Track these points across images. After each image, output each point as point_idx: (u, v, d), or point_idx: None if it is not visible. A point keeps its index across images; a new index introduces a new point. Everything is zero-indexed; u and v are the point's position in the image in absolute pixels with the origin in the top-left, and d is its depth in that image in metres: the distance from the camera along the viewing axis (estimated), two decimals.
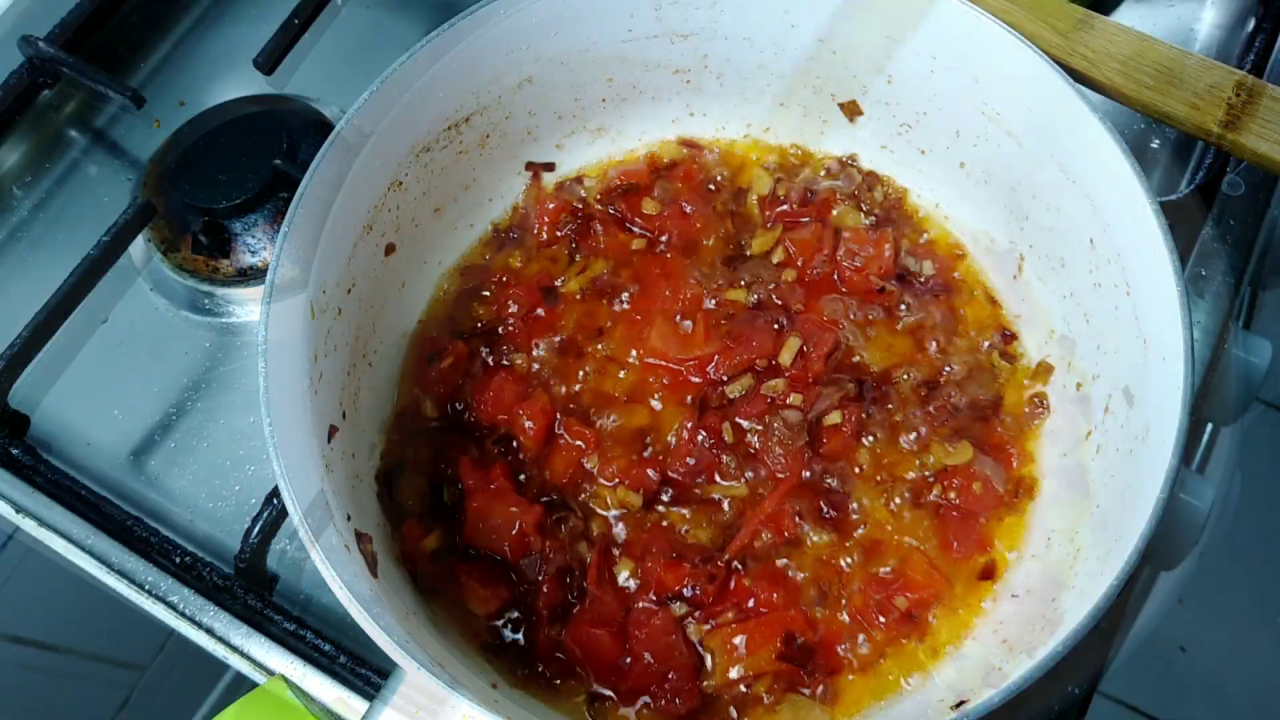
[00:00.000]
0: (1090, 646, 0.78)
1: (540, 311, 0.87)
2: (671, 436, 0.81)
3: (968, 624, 0.75)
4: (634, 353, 0.85)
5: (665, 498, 0.80)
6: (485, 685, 0.72)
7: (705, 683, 0.73)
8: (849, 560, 0.77)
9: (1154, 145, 1.00)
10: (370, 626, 0.60)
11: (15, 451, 0.88)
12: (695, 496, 0.80)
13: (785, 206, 0.91)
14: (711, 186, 0.93)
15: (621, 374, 0.84)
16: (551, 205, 0.91)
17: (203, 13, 1.15)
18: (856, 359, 0.84)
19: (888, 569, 0.77)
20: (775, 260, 0.89)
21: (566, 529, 0.78)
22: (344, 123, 0.74)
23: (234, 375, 0.94)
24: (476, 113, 0.86)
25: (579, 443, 0.81)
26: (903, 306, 0.86)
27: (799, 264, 0.88)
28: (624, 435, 0.82)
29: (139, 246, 0.99)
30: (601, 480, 0.80)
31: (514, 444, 0.82)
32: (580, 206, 0.92)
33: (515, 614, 0.76)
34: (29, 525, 0.85)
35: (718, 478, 0.80)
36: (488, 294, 0.88)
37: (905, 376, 0.83)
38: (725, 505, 0.79)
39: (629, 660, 0.73)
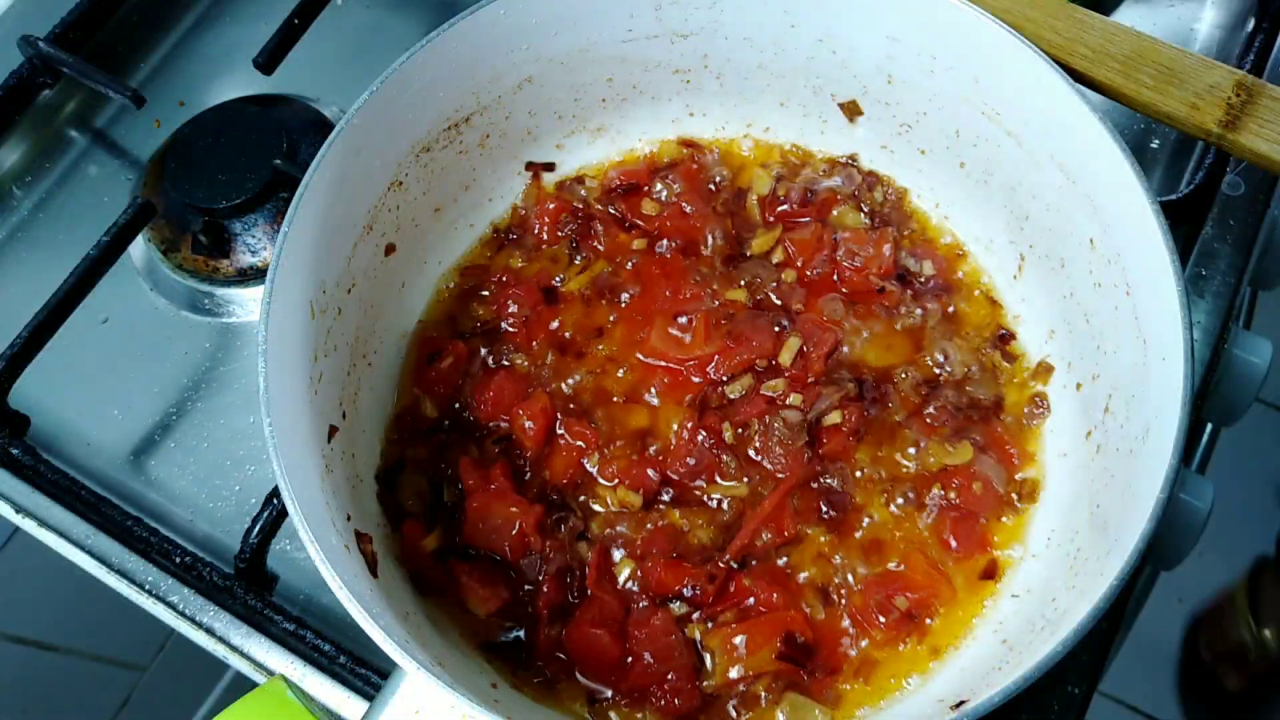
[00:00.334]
0: (1090, 646, 0.78)
1: (540, 311, 0.87)
2: (671, 437, 0.81)
3: (968, 624, 0.75)
4: (634, 353, 0.85)
5: (665, 498, 0.80)
6: (485, 685, 0.72)
7: (705, 683, 0.73)
8: (849, 560, 0.77)
9: (1154, 145, 1.00)
10: (370, 626, 0.60)
11: (15, 451, 0.88)
12: (695, 496, 0.80)
13: (785, 206, 0.91)
14: (711, 186, 0.93)
15: (621, 374, 0.84)
16: (551, 205, 0.91)
17: (203, 13, 1.15)
18: (856, 359, 0.84)
19: (888, 569, 0.77)
20: (775, 260, 0.89)
21: (566, 529, 0.78)
22: (344, 123, 0.74)
23: (234, 375, 0.94)
24: (476, 113, 0.86)
25: (579, 443, 0.81)
26: (903, 307, 0.86)
27: (799, 264, 0.88)
28: (624, 435, 0.82)
29: (139, 246, 0.99)
30: (601, 480, 0.80)
31: (514, 444, 0.82)
32: (580, 206, 0.92)
33: (515, 614, 0.76)
34: (29, 525, 0.85)
35: (718, 478, 0.80)
36: (488, 294, 0.89)
37: (905, 376, 0.83)
38: (725, 505, 0.79)
39: (629, 660, 0.73)
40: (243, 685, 0.79)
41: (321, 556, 0.62)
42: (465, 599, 0.76)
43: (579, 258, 0.90)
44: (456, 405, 0.84)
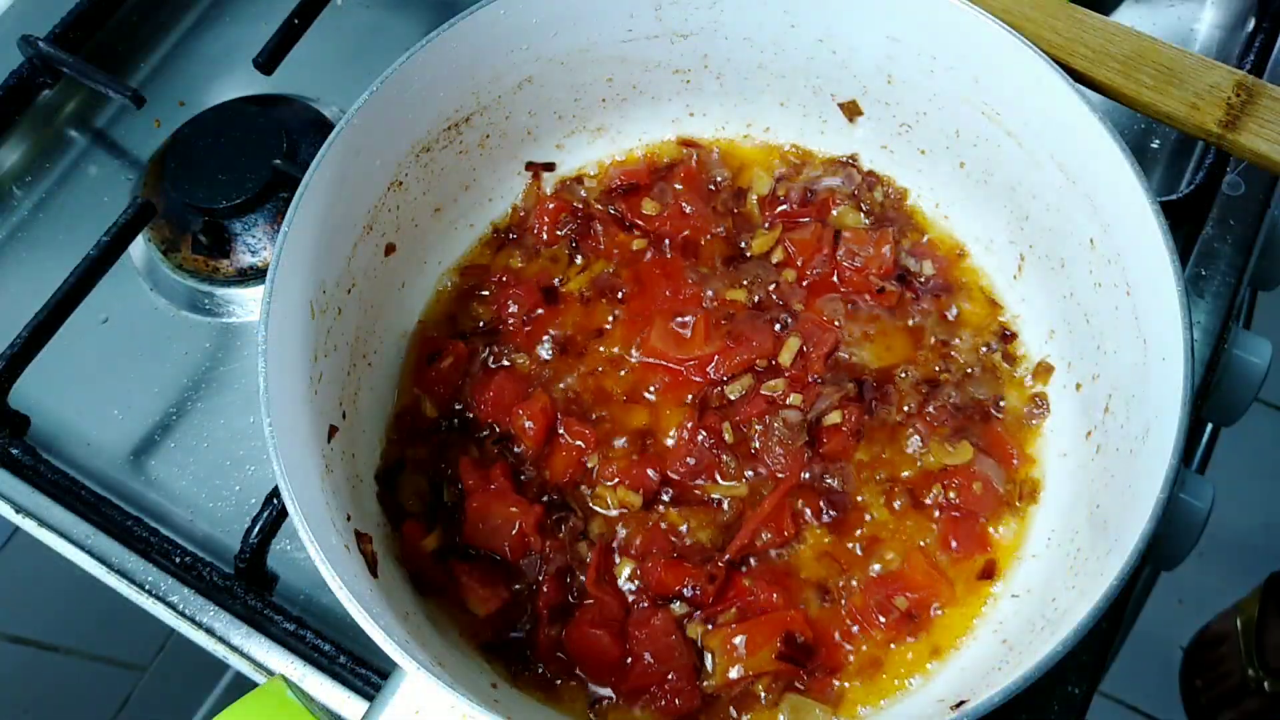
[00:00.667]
0: (1090, 646, 0.78)
1: (540, 311, 0.87)
2: (671, 436, 0.81)
3: (968, 624, 0.75)
4: (634, 353, 0.85)
5: (665, 498, 0.80)
6: (485, 685, 0.72)
7: (705, 683, 0.73)
8: (849, 560, 0.77)
9: (1154, 145, 1.00)
10: (370, 626, 0.60)
11: (15, 451, 0.88)
12: (695, 496, 0.80)
13: (785, 206, 0.91)
14: (711, 186, 0.93)
15: (621, 374, 0.84)
16: (551, 205, 0.91)
17: (203, 13, 1.15)
18: (856, 359, 0.84)
19: (888, 569, 0.77)
20: (775, 260, 0.89)
21: (566, 529, 0.78)
22: (344, 123, 0.74)
23: (234, 375, 0.94)
24: (476, 113, 0.86)
25: (579, 443, 0.81)
26: (902, 307, 0.86)
27: (799, 264, 0.88)
28: (624, 435, 0.82)
29: (139, 246, 0.99)
30: (601, 480, 0.80)
31: (514, 444, 0.82)
32: (580, 206, 0.92)
33: (515, 614, 0.76)
34: (29, 525, 0.85)
35: (718, 478, 0.80)
36: (488, 294, 0.89)
37: (905, 376, 0.83)
38: (725, 505, 0.79)
39: (629, 660, 0.73)
40: (243, 685, 0.79)
41: (321, 556, 0.62)
42: (465, 599, 0.76)
43: (579, 258, 0.90)
44: (456, 405, 0.84)
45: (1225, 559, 1.85)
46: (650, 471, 0.79)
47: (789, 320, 0.85)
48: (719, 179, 0.93)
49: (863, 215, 0.90)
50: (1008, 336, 0.85)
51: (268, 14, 1.11)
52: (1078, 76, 0.77)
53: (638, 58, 0.89)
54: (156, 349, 0.96)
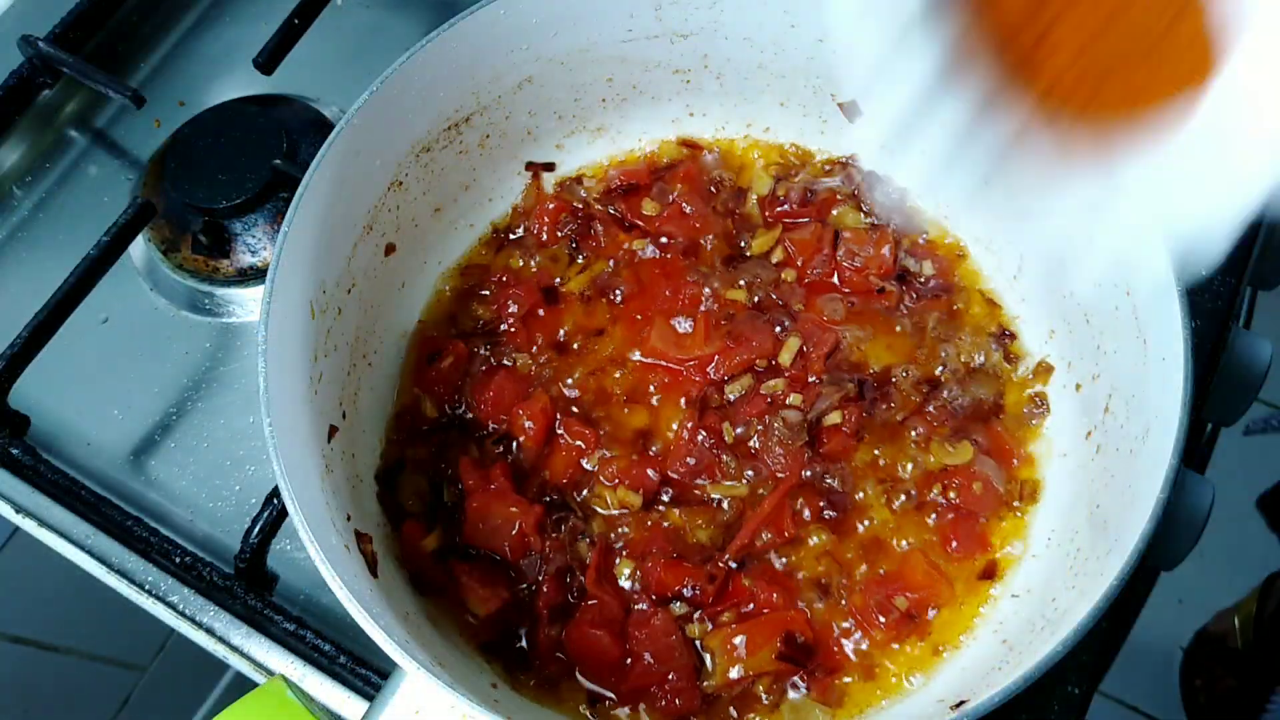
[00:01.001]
0: (1090, 646, 0.78)
1: (540, 311, 0.87)
2: (671, 437, 0.81)
3: (968, 624, 0.75)
4: (634, 353, 0.85)
5: (665, 498, 0.80)
6: (485, 685, 0.72)
7: (705, 683, 0.73)
8: (849, 560, 0.77)
9: None
10: (370, 626, 0.60)
11: (15, 451, 0.88)
12: (695, 496, 0.80)
13: (785, 206, 0.91)
14: (711, 187, 0.93)
15: (621, 374, 0.84)
16: (551, 205, 0.91)
17: (203, 13, 1.15)
18: (856, 359, 0.84)
19: (888, 569, 0.77)
20: (775, 260, 0.89)
21: (566, 529, 0.78)
22: (344, 123, 0.74)
23: (234, 375, 0.94)
24: (476, 113, 0.86)
25: (579, 443, 0.81)
26: (903, 307, 0.86)
27: (799, 264, 0.88)
28: (624, 435, 0.82)
29: (139, 246, 0.99)
30: (601, 480, 0.80)
31: (514, 444, 0.82)
32: (580, 206, 0.92)
33: (515, 614, 0.76)
34: (29, 525, 0.85)
35: (718, 477, 0.80)
36: (488, 294, 0.89)
37: (905, 376, 0.83)
38: (725, 505, 0.79)
39: (629, 660, 0.73)
40: (243, 685, 0.79)
41: (321, 556, 0.62)
42: (465, 599, 0.76)
43: (579, 258, 0.90)
44: (456, 405, 0.84)
45: (1225, 559, 1.85)
46: (650, 471, 0.79)
47: (789, 320, 0.85)
48: (719, 179, 0.93)
49: (863, 215, 0.90)
50: (1008, 336, 0.85)
51: (268, 14, 1.11)
52: None
53: (638, 58, 0.89)
54: (156, 349, 0.96)
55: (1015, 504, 0.79)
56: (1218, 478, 0.95)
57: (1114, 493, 0.70)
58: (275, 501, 0.80)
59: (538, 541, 0.77)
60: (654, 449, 0.81)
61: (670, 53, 0.89)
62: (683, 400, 0.83)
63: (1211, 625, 1.87)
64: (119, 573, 0.83)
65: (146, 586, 0.83)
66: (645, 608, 0.75)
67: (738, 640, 0.73)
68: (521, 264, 0.90)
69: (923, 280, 0.88)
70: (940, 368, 0.84)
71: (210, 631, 0.81)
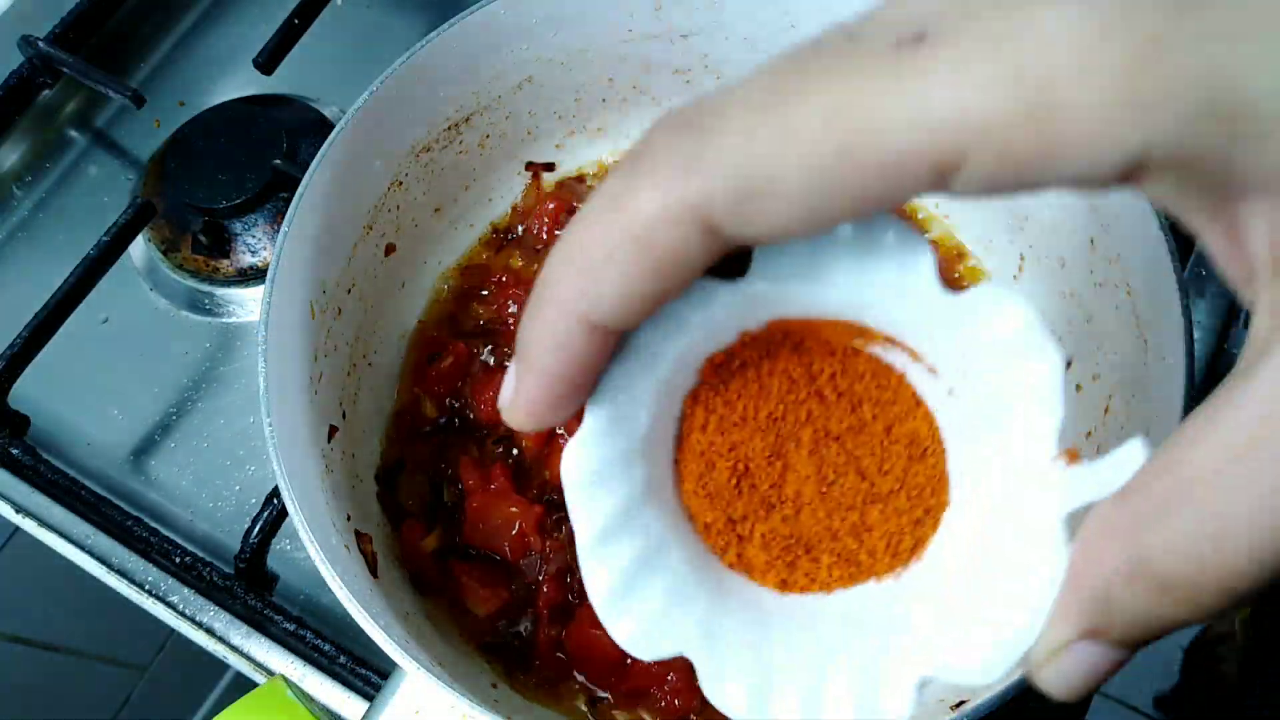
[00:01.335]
0: None
1: None
2: None
3: None
4: None
5: None
6: (485, 685, 0.72)
7: None
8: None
9: None
10: (370, 626, 0.60)
11: (15, 451, 0.88)
12: None
13: None
14: None
15: None
16: (551, 205, 0.91)
17: (203, 13, 1.15)
18: None
19: None
20: None
21: (566, 529, 0.78)
22: (344, 123, 0.74)
23: (234, 375, 0.94)
24: (476, 113, 0.86)
25: None
26: None
27: None
28: None
29: (139, 246, 0.99)
30: None
31: (514, 444, 0.82)
32: (580, 206, 0.92)
33: (515, 614, 0.76)
34: (29, 525, 0.85)
35: None
36: (488, 294, 0.89)
37: None
38: None
39: (629, 661, 0.73)
40: (243, 685, 0.79)
41: (321, 556, 0.62)
42: (465, 599, 0.76)
43: None
44: (456, 405, 0.84)
45: None
46: None
47: None
48: None
49: None
50: None
51: (268, 14, 1.11)
52: None
53: (638, 57, 0.89)
54: (156, 349, 0.96)
55: None
56: None
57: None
58: (275, 501, 0.80)
59: (538, 541, 0.77)
60: None
61: (670, 52, 0.89)
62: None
63: (1214, 625, 1.87)
64: (119, 573, 0.83)
65: (146, 586, 0.83)
66: None
67: None
68: (521, 264, 0.90)
69: None
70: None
71: (210, 631, 0.81)
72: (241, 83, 1.07)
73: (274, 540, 0.81)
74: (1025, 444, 0.36)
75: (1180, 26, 0.26)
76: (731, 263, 0.34)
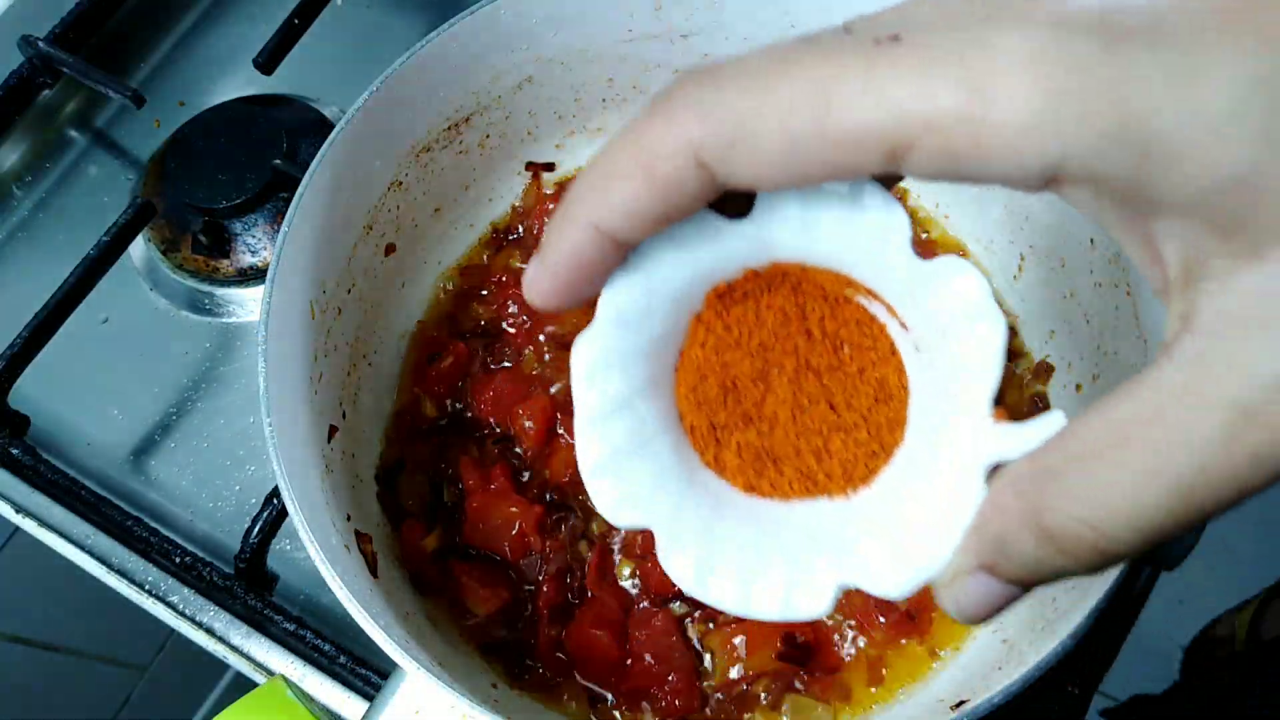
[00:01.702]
0: (1090, 646, 0.78)
1: (540, 311, 0.87)
2: None
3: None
4: None
5: None
6: (485, 685, 0.72)
7: (705, 683, 0.73)
8: None
9: None
10: (370, 626, 0.60)
11: (15, 451, 0.88)
12: None
13: None
14: None
15: None
16: (551, 205, 0.91)
17: (203, 13, 1.15)
18: None
19: None
20: None
21: (566, 529, 0.78)
22: (344, 123, 0.74)
23: (234, 375, 0.94)
24: (476, 113, 0.86)
25: None
26: None
27: None
28: None
29: (139, 246, 0.99)
30: None
31: (514, 444, 0.82)
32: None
33: (515, 614, 0.76)
34: (29, 525, 0.85)
35: None
36: (488, 294, 0.89)
37: None
38: None
39: (629, 661, 0.73)
40: (243, 685, 0.79)
41: (321, 556, 0.62)
42: (465, 599, 0.76)
43: None
44: (456, 405, 0.84)
45: (1226, 559, 1.85)
46: None
47: None
48: None
49: None
50: (1008, 337, 0.85)
51: (268, 14, 1.11)
52: None
53: (638, 58, 0.89)
54: (156, 349, 0.96)
55: None
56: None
57: None
58: (275, 501, 0.80)
59: (538, 541, 0.77)
60: None
61: (670, 53, 0.89)
62: None
63: (1215, 626, 1.87)
64: (119, 573, 0.83)
65: (146, 586, 0.83)
66: (646, 608, 0.75)
67: (737, 640, 0.73)
68: (521, 264, 0.90)
69: None
70: None
71: (210, 631, 0.81)
72: (241, 83, 1.07)
73: (274, 540, 0.81)
74: (966, 399, 0.40)
75: (1104, 60, 0.30)
76: (738, 204, 0.40)
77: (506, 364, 0.85)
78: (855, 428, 0.43)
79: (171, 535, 0.84)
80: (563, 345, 0.86)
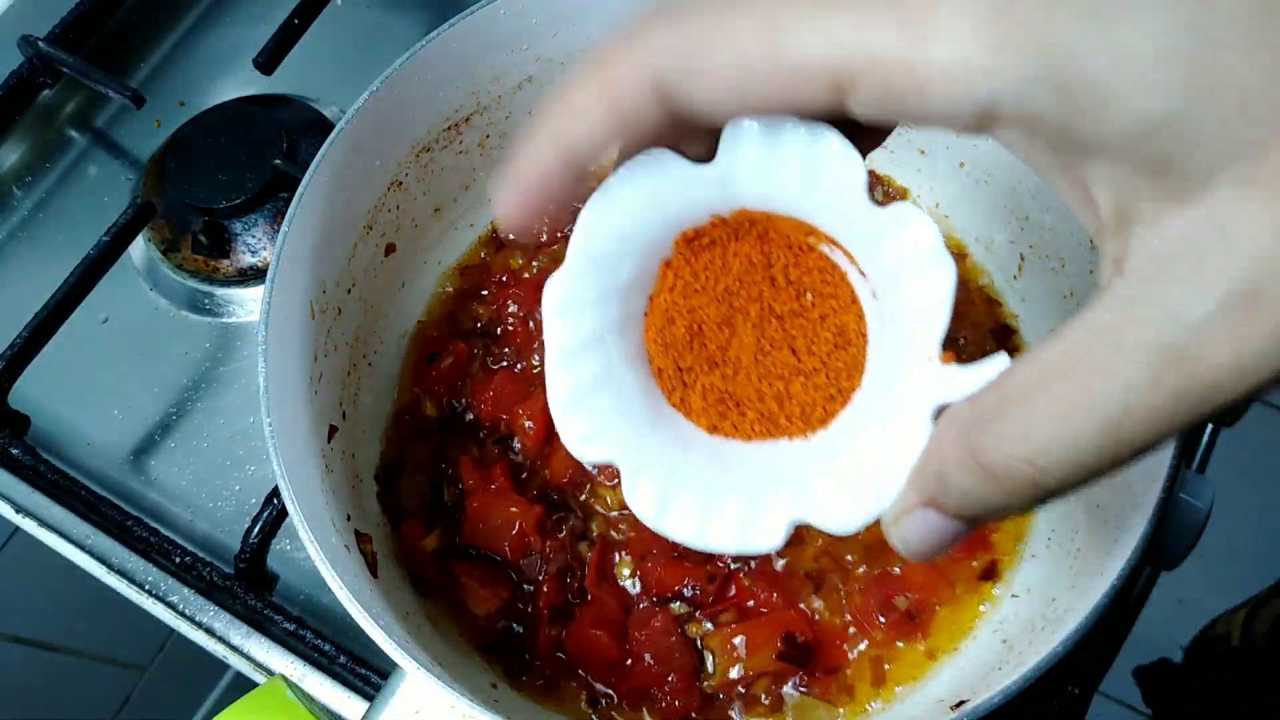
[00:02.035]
0: (1090, 646, 0.78)
1: (540, 311, 0.87)
2: None
3: (968, 624, 0.75)
4: None
5: None
6: (485, 685, 0.72)
7: (705, 683, 0.73)
8: (849, 559, 0.77)
9: None
10: (370, 626, 0.60)
11: (15, 451, 0.88)
12: None
13: None
14: None
15: None
16: (552, 205, 0.91)
17: (203, 13, 1.15)
18: None
19: (888, 569, 0.77)
20: None
21: (566, 529, 0.78)
22: (344, 123, 0.74)
23: (234, 375, 0.94)
24: (476, 113, 0.86)
25: None
26: None
27: None
28: None
29: (139, 246, 0.99)
30: (601, 480, 0.80)
31: (514, 444, 0.82)
32: (580, 206, 0.91)
33: (515, 614, 0.76)
34: (29, 525, 0.85)
35: None
36: (488, 294, 0.89)
37: None
38: None
39: (629, 661, 0.73)
40: (243, 685, 0.79)
41: (321, 556, 0.62)
42: (465, 599, 0.76)
43: None
44: (456, 405, 0.84)
45: (1225, 559, 1.85)
46: None
47: None
48: None
49: None
50: (1007, 336, 0.85)
51: (268, 14, 1.11)
52: None
53: None
54: (156, 349, 0.96)
55: None
56: (1218, 478, 0.95)
57: (1114, 491, 0.70)
58: (275, 501, 0.80)
59: (538, 541, 0.77)
60: None
61: None
62: None
63: (1214, 625, 1.87)
64: (119, 573, 0.83)
65: (146, 586, 0.83)
66: (646, 608, 0.75)
67: (738, 640, 0.73)
68: (521, 264, 0.90)
69: None
70: None
71: (210, 631, 0.81)
72: (241, 83, 1.07)
73: (274, 540, 0.81)
74: (917, 343, 0.41)
75: (1036, 4, 0.31)
76: (700, 145, 0.42)
77: (506, 364, 0.85)
78: (815, 372, 0.45)
79: (171, 535, 0.84)
80: None
